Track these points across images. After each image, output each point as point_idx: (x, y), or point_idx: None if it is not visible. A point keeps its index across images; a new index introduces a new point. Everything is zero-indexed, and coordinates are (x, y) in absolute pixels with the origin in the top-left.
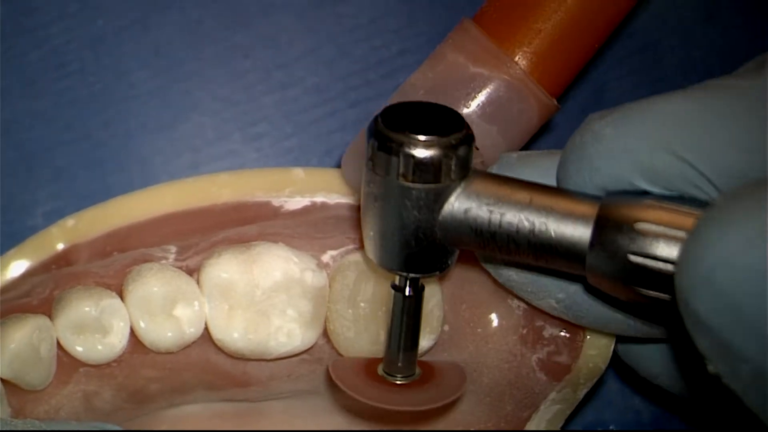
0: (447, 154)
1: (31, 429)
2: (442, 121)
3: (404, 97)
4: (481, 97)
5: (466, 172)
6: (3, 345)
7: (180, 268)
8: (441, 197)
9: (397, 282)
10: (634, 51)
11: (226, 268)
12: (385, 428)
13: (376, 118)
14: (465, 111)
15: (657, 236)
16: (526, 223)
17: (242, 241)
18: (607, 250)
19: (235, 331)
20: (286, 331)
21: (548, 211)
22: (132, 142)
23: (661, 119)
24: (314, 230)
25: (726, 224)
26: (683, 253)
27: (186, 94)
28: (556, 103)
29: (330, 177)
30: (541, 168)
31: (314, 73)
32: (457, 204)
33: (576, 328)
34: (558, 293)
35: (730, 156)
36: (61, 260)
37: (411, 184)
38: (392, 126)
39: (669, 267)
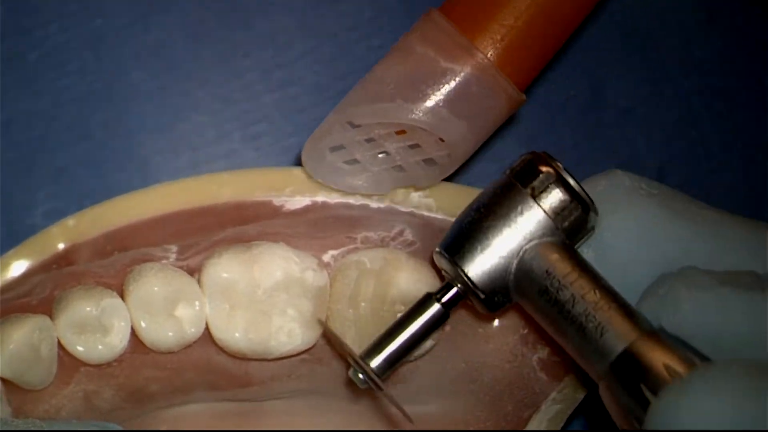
0: (576, 206)
1: (32, 428)
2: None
3: (372, 90)
4: (452, 93)
5: (573, 236)
6: (3, 345)
7: (181, 267)
8: (540, 231)
9: (440, 289)
10: (634, 51)
11: (227, 268)
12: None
13: (539, 153)
14: (436, 106)
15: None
16: (585, 304)
17: (243, 241)
18: (627, 373)
19: (236, 331)
20: (286, 330)
21: (608, 307)
22: (132, 141)
23: (729, 311)
24: (315, 230)
25: (699, 392)
26: (660, 400)
27: (186, 93)
28: (524, 97)
29: None
30: (642, 226)
31: (314, 73)
32: (547, 248)
33: None
34: None
35: None
36: (62, 260)
37: (533, 201)
38: (553, 162)
39: None
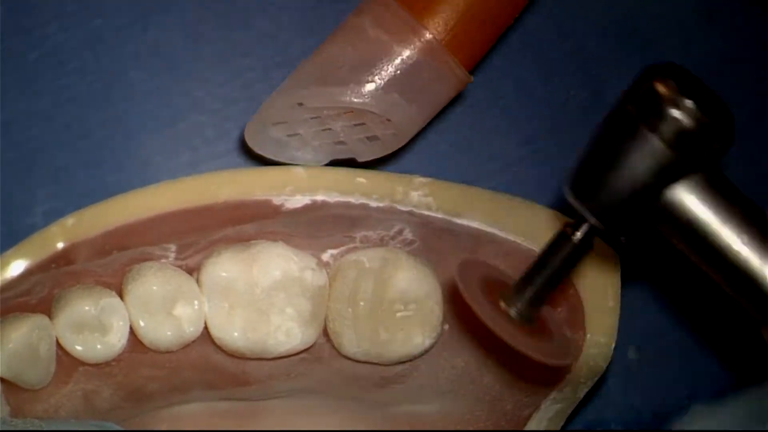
0: (712, 140)
1: (31, 428)
2: (714, 106)
3: (323, 72)
4: (405, 77)
5: (713, 165)
6: (2, 344)
7: (180, 266)
8: (679, 171)
9: (570, 227)
10: (634, 51)
11: (225, 267)
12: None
13: (657, 67)
14: (388, 91)
15: None
16: (736, 250)
17: (242, 240)
18: None
19: (235, 330)
20: (285, 329)
21: (763, 252)
22: (131, 141)
23: None
24: (314, 229)
25: None
26: None
27: (185, 92)
28: (472, 78)
29: (330, 175)
30: None
31: None
32: (690, 192)
33: (576, 327)
34: None
35: None
36: (61, 259)
37: (661, 144)
38: (669, 81)
39: None
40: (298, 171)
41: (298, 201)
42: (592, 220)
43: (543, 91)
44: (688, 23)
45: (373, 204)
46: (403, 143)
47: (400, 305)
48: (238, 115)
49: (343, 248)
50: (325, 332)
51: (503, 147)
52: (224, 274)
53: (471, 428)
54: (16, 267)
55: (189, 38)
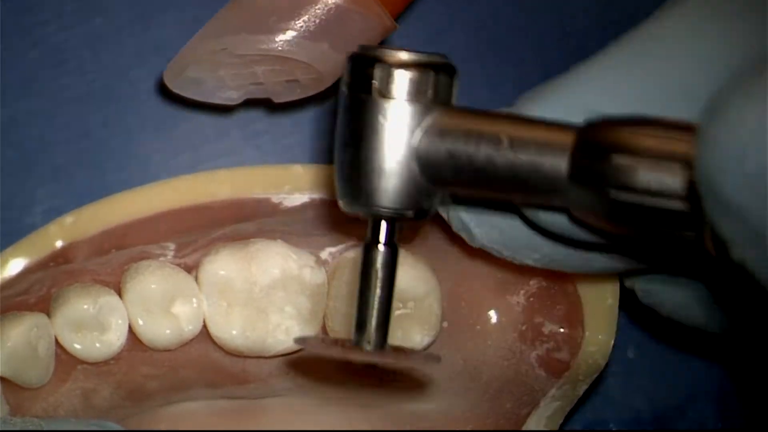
0: (426, 73)
1: (30, 427)
2: (424, 52)
3: (251, 19)
4: (334, 26)
5: (445, 100)
6: (1, 343)
7: (178, 265)
8: (417, 119)
9: (369, 234)
10: None
11: (224, 266)
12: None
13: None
14: (318, 40)
15: (638, 166)
16: (503, 156)
17: (241, 238)
18: (585, 182)
19: (234, 329)
20: (284, 328)
21: (524, 142)
22: (131, 140)
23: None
24: (313, 227)
25: (757, 99)
26: (705, 133)
27: None
28: (397, 26)
29: (329, 174)
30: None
31: None
32: (433, 132)
33: (575, 324)
34: (533, 254)
35: None
36: (60, 258)
37: (387, 100)
38: (362, 48)
39: (658, 200)
40: (297, 169)
41: (296, 199)
42: (386, 213)
43: None
44: None
45: None
46: (323, 88)
47: (399, 303)
48: (237, 114)
49: (341, 246)
50: (324, 330)
51: None
52: (223, 272)
53: (471, 427)
54: (15, 265)
55: (189, 37)
